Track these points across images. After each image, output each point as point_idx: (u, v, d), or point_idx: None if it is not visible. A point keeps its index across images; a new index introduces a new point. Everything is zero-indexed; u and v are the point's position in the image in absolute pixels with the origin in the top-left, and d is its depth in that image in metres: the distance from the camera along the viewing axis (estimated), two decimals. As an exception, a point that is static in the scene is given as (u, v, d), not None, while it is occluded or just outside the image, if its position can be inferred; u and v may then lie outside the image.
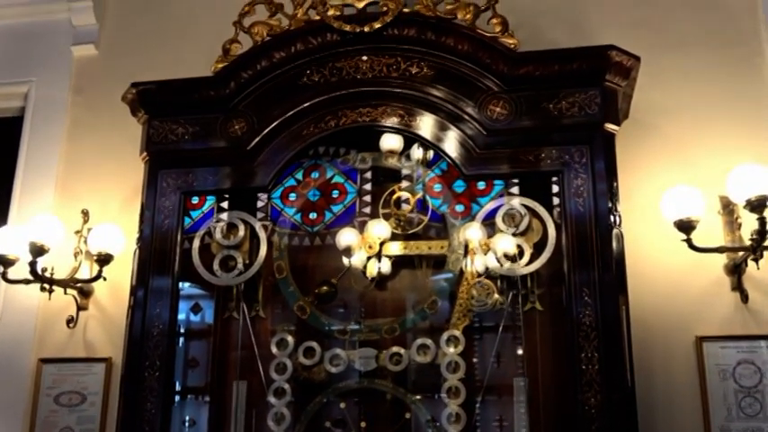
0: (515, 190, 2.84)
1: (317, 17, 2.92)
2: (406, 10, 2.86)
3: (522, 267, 2.77)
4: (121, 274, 3.15)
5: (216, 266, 2.93)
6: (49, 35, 3.87)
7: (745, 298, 2.94)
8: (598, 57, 2.72)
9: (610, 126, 2.70)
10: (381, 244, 2.87)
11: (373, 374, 2.89)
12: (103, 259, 3.19)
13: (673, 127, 3.17)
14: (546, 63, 2.74)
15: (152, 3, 3.86)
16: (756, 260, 2.82)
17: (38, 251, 3.13)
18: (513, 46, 2.81)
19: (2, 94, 3.87)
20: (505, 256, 2.76)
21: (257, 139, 2.86)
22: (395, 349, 2.87)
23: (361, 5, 2.90)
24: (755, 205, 2.69)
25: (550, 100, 2.72)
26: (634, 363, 2.53)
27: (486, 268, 2.84)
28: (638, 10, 3.37)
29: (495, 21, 2.87)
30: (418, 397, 2.87)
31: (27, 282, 3.21)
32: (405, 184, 3.01)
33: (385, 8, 2.86)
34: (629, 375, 2.50)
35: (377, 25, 2.84)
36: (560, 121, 2.70)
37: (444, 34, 2.81)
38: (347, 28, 2.86)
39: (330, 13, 2.90)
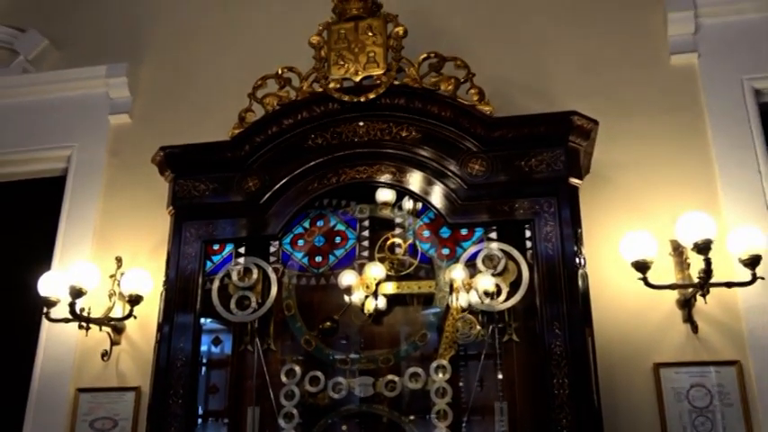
0: (494, 235, 2.82)
1: (320, 89, 2.96)
2: (396, 82, 2.91)
3: (500, 303, 2.76)
4: (150, 312, 3.14)
5: (232, 305, 2.91)
6: (89, 106, 3.91)
7: (695, 329, 2.93)
8: (562, 121, 2.75)
9: (573, 180, 2.73)
10: (377, 284, 2.88)
11: (371, 399, 2.87)
12: (134, 300, 3.19)
13: (629, 180, 3.19)
14: (517, 127, 2.78)
15: (178, 79, 3.91)
16: (704, 296, 2.83)
17: (77, 293, 3.14)
18: (488, 112, 2.84)
19: (47, 158, 3.90)
20: (486, 293, 2.75)
21: (269, 194, 2.88)
22: (390, 377, 2.85)
23: (358, 79, 2.94)
24: (701, 248, 2.70)
25: (522, 158, 2.75)
26: (600, 387, 2.52)
27: (469, 304, 2.82)
28: (596, 80, 3.40)
29: (473, 91, 2.91)
30: (411, 418, 2.84)
31: (67, 320, 3.20)
32: (397, 231, 3.00)
33: (378, 81, 2.91)
34: (596, 398, 2.48)
35: (371, 96, 2.88)
36: (531, 176, 2.72)
37: (430, 103, 2.85)
38: (346, 98, 2.90)
39: (331, 85, 2.94)
